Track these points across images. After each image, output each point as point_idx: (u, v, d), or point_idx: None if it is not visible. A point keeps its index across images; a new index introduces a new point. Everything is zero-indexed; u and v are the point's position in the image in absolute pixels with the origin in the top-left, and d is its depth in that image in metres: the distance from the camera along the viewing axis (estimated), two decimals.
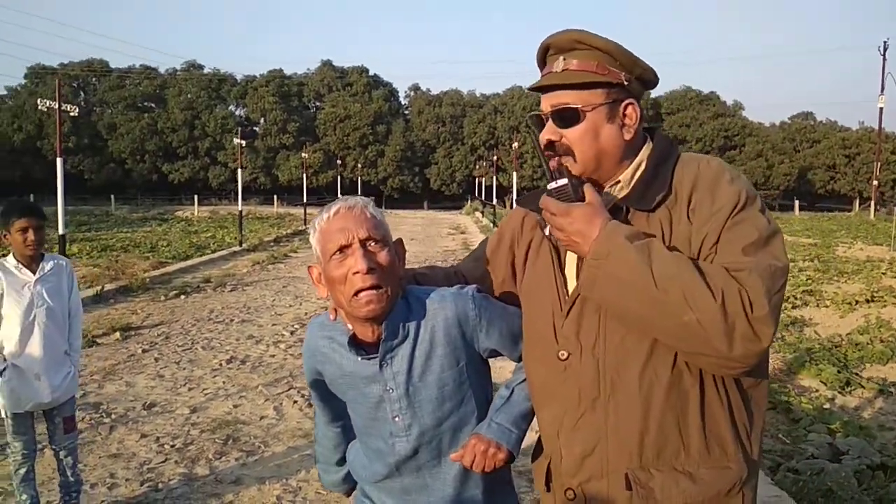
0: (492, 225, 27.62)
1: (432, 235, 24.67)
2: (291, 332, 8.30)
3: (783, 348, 8.05)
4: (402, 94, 66.74)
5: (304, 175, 35.38)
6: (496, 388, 1.76)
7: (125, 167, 58.27)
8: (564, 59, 1.50)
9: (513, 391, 1.71)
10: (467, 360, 1.67)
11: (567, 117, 1.50)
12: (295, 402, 5.65)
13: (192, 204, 42.23)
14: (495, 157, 40.38)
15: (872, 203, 38.89)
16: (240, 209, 20.87)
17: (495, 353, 1.74)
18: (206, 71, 61.79)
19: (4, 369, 3.39)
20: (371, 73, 63.86)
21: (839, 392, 6.69)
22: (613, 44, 1.49)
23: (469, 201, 50.51)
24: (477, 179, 51.87)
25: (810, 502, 3.83)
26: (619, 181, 1.54)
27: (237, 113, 61.74)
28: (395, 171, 60.14)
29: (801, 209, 49.86)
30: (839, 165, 58.97)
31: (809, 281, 12.26)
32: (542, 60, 1.58)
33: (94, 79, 60.99)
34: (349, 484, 1.96)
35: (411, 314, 1.63)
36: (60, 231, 11.11)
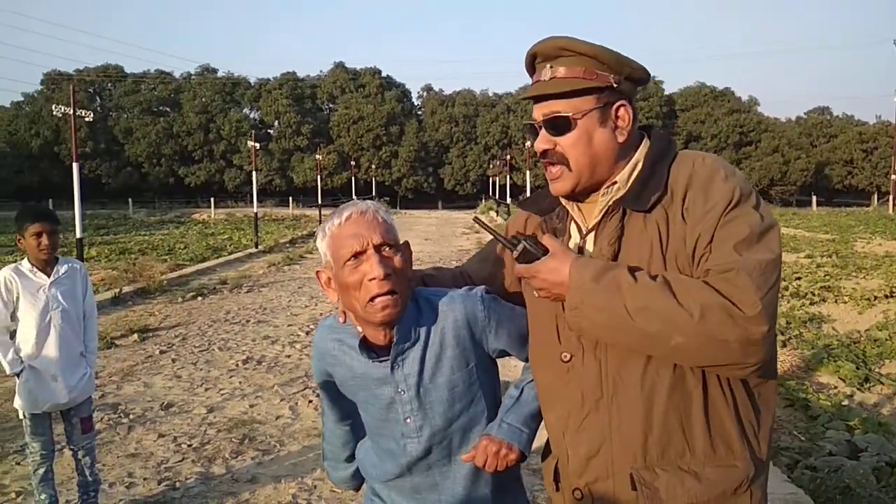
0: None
1: (446, 235, 24.68)
2: (307, 333, 8.34)
3: (801, 345, 7.99)
4: (414, 95, 67.02)
5: (319, 177, 35.47)
6: (505, 387, 1.77)
7: (142, 171, 58.85)
8: (552, 67, 1.50)
9: (522, 391, 1.71)
10: (477, 361, 1.67)
11: (559, 125, 1.50)
12: (310, 401, 5.67)
13: (209, 206, 42.57)
14: (509, 157, 40.34)
15: (891, 197, 38.48)
16: (255, 211, 21.00)
17: (504, 354, 1.74)
18: (220, 74, 62.38)
19: (22, 370, 3.44)
20: (384, 74, 64.12)
21: (858, 389, 6.62)
22: (598, 47, 1.48)
23: (483, 201, 50.48)
24: (491, 179, 51.91)
25: (828, 499, 3.80)
26: (615, 182, 1.53)
27: (251, 116, 62.20)
28: (409, 172, 60.30)
29: (818, 205, 49.39)
30: (856, 160, 58.44)
31: (827, 277, 12.15)
32: (531, 68, 1.57)
33: (109, 84, 61.70)
34: (358, 480, 1.96)
35: (421, 317, 1.63)
36: (78, 235, 11.23)
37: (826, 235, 21.18)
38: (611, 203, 1.52)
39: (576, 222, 1.59)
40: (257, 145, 22.14)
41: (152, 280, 11.88)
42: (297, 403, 5.64)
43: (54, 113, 11.72)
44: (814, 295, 10.62)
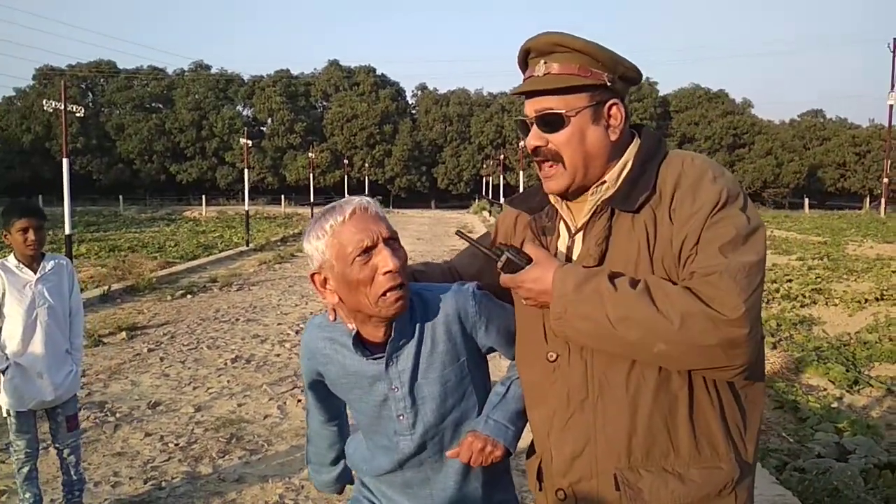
0: None
1: (439, 234, 24.67)
2: (297, 332, 8.31)
3: (791, 347, 8.01)
4: (409, 94, 66.88)
5: (312, 175, 35.40)
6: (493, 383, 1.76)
7: (133, 168, 58.54)
8: (545, 63, 1.49)
9: (508, 388, 1.71)
10: (468, 356, 1.67)
11: (552, 122, 1.48)
12: (299, 400, 5.64)
13: (200, 204, 42.42)
14: (503, 156, 40.36)
15: (883, 201, 38.64)
16: (246, 209, 20.95)
17: (493, 350, 1.74)
18: (213, 71, 62.05)
19: (7, 367, 3.40)
20: (378, 72, 63.95)
21: (847, 391, 6.64)
22: (594, 45, 1.47)
23: (476, 200, 50.48)
24: (484, 178, 51.91)
25: (816, 501, 3.80)
26: (604, 181, 1.52)
27: (244, 113, 61.97)
28: (403, 171, 60.22)
29: (810, 207, 49.63)
30: (849, 163, 58.65)
31: (818, 279, 12.18)
32: (524, 63, 1.56)
33: (101, 80, 61.33)
34: (342, 483, 1.96)
35: (414, 312, 1.62)
36: (67, 231, 11.16)
37: (818, 238, 21.26)
38: (599, 203, 1.50)
39: (565, 221, 1.58)
40: (250, 143, 22.07)
41: (142, 278, 11.82)
42: (285, 403, 5.61)
43: (45, 108, 11.60)
44: (804, 297, 10.65)
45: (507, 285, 1.52)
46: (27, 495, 3.51)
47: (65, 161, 10.99)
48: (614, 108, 1.49)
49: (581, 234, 1.53)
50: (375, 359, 1.61)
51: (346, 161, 50.52)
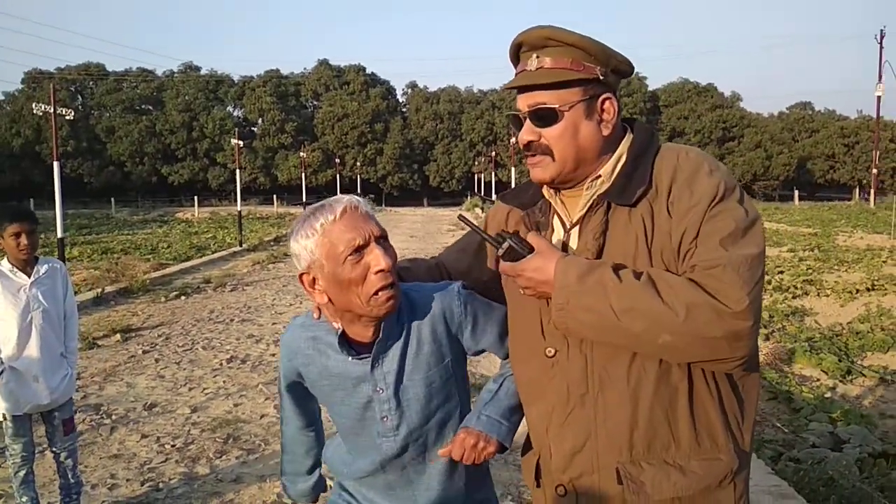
0: None
1: (432, 232, 24.67)
2: None
3: (784, 338, 8.05)
4: (399, 92, 66.80)
5: (304, 174, 35.34)
6: (482, 382, 1.76)
7: (124, 170, 58.27)
8: (538, 57, 1.47)
9: (501, 385, 1.70)
10: (452, 357, 1.66)
11: (544, 117, 1.47)
12: None
13: (193, 205, 42.24)
14: (494, 153, 40.35)
15: (872, 191, 38.85)
16: (239, 209, 20.89)
17: (483, 351, 1.72)
18: (203, 72, 61.82)
19: (2, 371, 3.39)
20: (368, 71, 63.85)
21: (840, 381, 6.69)
22: (586, 39, 1.46)
23: (468, 197, 50.47)
24: (476, 175, 51.90)
25: (811, 491, 3.83)
26: (599, 175, 1.51)
27: (235, 114, 61.76)
28: (395, 169, 60.16)
29: (800, 199, 49.80)
30: (838, 154, 58.91)
31: (810, 270, 12.25)
32: (516, 57, 1.54)
33: (91, 82, 60.99)
34: (317, 492, 1.92)
35: (401, 313, 1.60)
36: (59, 234, 11.11)
37: (808, 229, 21.37)
38: (595, 197, 1.50)
39: (559, 216, 1.58)
40: (241, 143, 22.02)
41: (135, 280, 11.78)
42: None
43: (35, 112, 11.55)
44: (796, 288, 10.72)
45: (506, 273, 1.50)
46: (24, 499, 3.50)
47: (55, 164, 10.95)
48: (607, 103, 1.49)
49: (577, 228, 1.53)
50: (361, 359, 1.59)
51: (337, 160, 50.49)
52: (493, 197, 34.39)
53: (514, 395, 1.67)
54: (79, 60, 66.26)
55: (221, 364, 6.82)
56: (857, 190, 55.66)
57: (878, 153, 40.61)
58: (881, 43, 36.79)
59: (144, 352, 7.34)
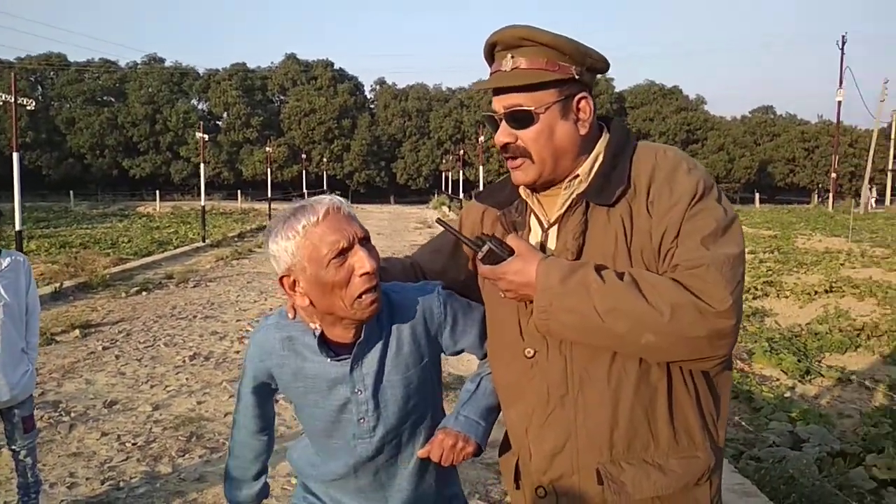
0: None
1: (399, 230, 24.60)
2: None
3: (744, 338, 8.19)
4: (367, 88, 66.51)
5: (269, 170, 34.97)
6: (448, 380, 1.74)
7: (84, 162, 57.07)
8: (513, 58, 1.45)
9: (479, 384, 1.69)
10: (430, 358, 1.65)
11: (520, 119, 1.46)
12: None
13: (154, 199, 41.57)
14: (462, 152, 40.40)
15: (831, 195, 39.74)
16: (202, 204, 20.60)
17: (461, 351, 1.71)
18: (167, 64, 60.84)
19: None
20: (336, 66, 63.45)
21: (799, 381, 6.82)
22: (561, 38, 1.44)
23: (436, 195, 50.48)
24: (444, 174, 51.93)
25: (773, 489, 3.89)
26: (577, 175, 1.50)
27: (199, 107, 60.89)
28: (362, 166, 59.91)
29: (761, 202, 50.69)
30: (798, 158, 60.19)
31: (770, 272, 12.48)
32: (490, 56, 1.52)
33: (51, 73, 59.63)
34: (260, 499, 1.87)
35: (381, 313, 1.57)
36: (17, 227, 10.85)
37: (768, 232, 21.77)
38: (573, 197, 1.49)
39: (536, 216, 1.56)
40: (206, 137, 21.71)
41: (95, 274, 11.55)
42: None
43: None
44: (757, 290, 10.91)
45: (487, 277, 1.49)
46: None
47: (15, 155, 10.67)
48: (583, 102, 1.48)
49: (555, 228, 1.52)
50: (339, 360, 1.56)
51: (304, 156, 50.07)
52: (461, 195, 34.39)
53: (491, 395, 1.66)
54: (40, 50, 64.76)
55: (184, 361, 6.71)
56: (816, 193, 56.87)
57: (837, 158, 41.56)
58: (842, 49, 37.62)
59: (104, 348, 7.20)
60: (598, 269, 1.38)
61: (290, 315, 1.61)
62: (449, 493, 1.77)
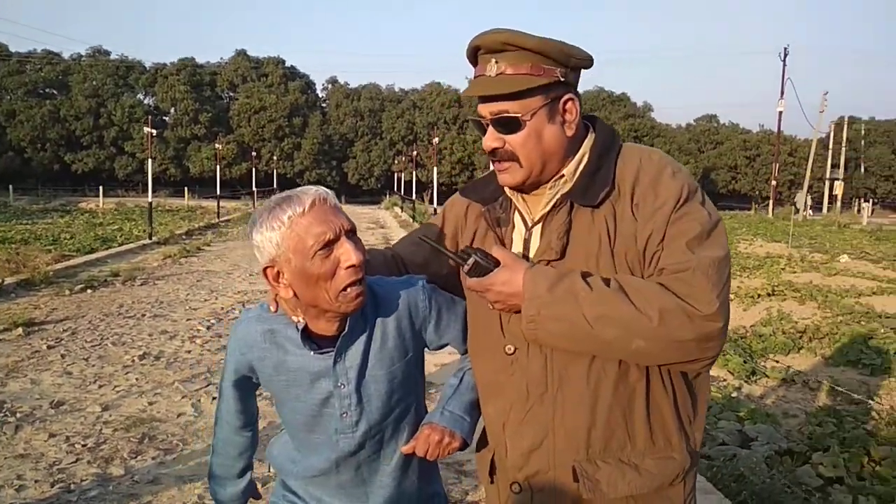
0: (411, 220, 27.60)
1: None
2: (208, 327, 8.06)
3: None
4: (319, 87, 66.02)
5: (218, 167, 34.35)
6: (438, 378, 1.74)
7: (24, 156, 55.24)
8: (497, 63, 1.44)
9: (462, 379, 1.70)
10: (414, 352, 1.64)
11: (507, 124, 1.46)
12: (214, 397, 5.48)
13: (97, 195, 40.40)
14: (415, 153, 40.37)
15: (771, 202, 40.97)
16: (149, 201, 20.10)
17: (445, 346, 1.71)
18: (112, 57, 59.27)
19: None
20: (287, 64, 62.79)
21: (745, 381, 7.02)
22: (545, 42, 1.43)
23: (387, 196, 50.31)
24: (396, 174, 51.80)
25: (724, 486, 3.99)
26: (562, 175, 1.51)
27: (146, 101, 59.52)
28: (312, 165, 59.41)
29: None
30: (740, 166, 62.01)
31: None
32: (474, 59, 1.51)
33: None
34: (247, 497, 1.85)
35: (365, 306, 1.55)
36: None
37: None
38: (558, 197, 1.50)
39: (521, 213, 1.57)
40: (154, 132, 21.22)
41: (37, 271, 11.18)
42: (199, 400, 5.44)
43: None
44: None
45: (474, 289, 1.49)
46: None
47: None
48: (569, 103, 1.48)
49: (539, 226, 1.53)
50: (322, 354, 1.55)
51: (253, 153, 49.34)
52: (413, 196, 34.33)
53: (474, 390, 1.67)
54: None
55: (133, 361, 6.55)
56: (757, 200, 58.56)
57: (777, 166, 42.87)
58: (784, 60, 38.79)
59: (49, 347, 6.97)
60: (584, 276, 1.39)
61: (273, 308, 1.59)
62: (430, 491, 1.77)
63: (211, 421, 4.92)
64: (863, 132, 63.60)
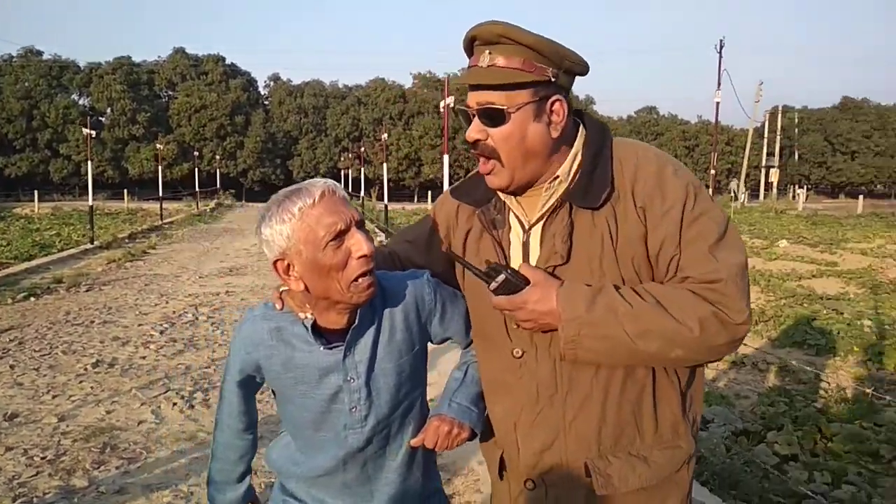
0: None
1: None
2: (161, 332, 7.90)
3: None
4: (261, 84, 65.00)
5: (160, 168, 33.56)
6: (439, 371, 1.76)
7: None
8: (490, 54, 1.44)
9: (466, 372, 1.71)
10: (420, 346, 1.65)
11: (493, 116, 1.45)
12: (174, 404, 5.39)
13: (32, 200, 39.04)
14: (362, 149, 40.11)
15: (711, 191, 41.96)
16: (90, 204, 19.53)
17: (448, 339, 1.73)
18: (45, 57, 57.19)
19: None
20: (228, 61, 61.63)
21: None
22: (541, 39, 1.42)
23: None
24: (342, 171, 51.38)
25: None
26: (557, 176, 1.50)
27: (81, 102, 57.62)
28: (256, 163, 58.50)
29: None
30: (680, 156, 63.39)
31: None
32: (470, 49, 1.50)
33: None
34: (245, 501, 1.83)
35: (374, 300, 1.56)
36: None
37: None
38: (555, 198, 1.50)
39: (516, 215, 1.56)
40: (93, 133, 20.62)
41: None
42: (159, 407, 5.34)
43: None
44: None
45: (503, 308, 1.46)
46: None
47: None
48: (557, 105, 1.46)
49: (537, 228, 1.52)
50: (331, 349, 1.55)
51: (196, 153, 48.34)
52: (362, 193, 34.11)
53: (479, 383, 1.69)
54: None
55: (86, 369, 6.38)
56: None
57: (715, 155, 43.92)
58: (720, 53, 39.71)
59: None
60: (618, 290, 1.40)
61: (278, 306, 1.58)
62: (431, 488, 1.78)
63: (173, 427, 4.88)
64: (796, 121, 65.90)
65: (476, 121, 1.48)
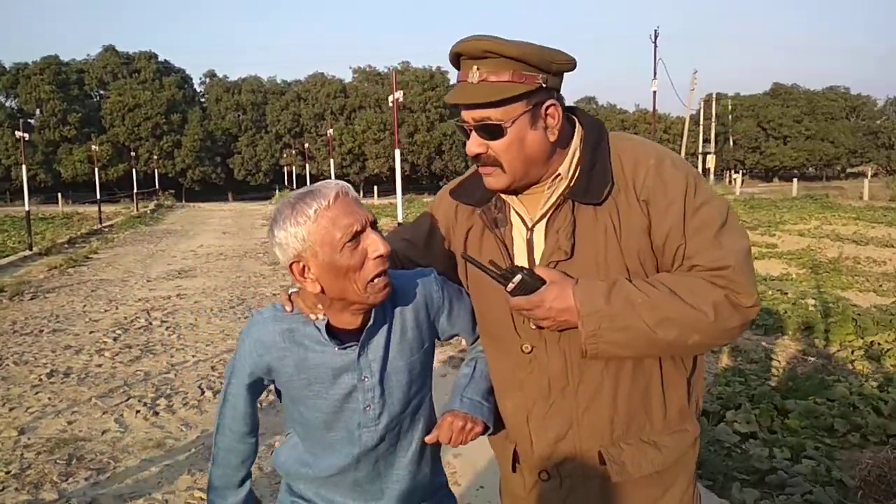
0: None
1: (245, 228, 23.80)
2: (114, 339, 7.71)
3: None
4: (196, 81, 63.58)
5: (96, 170, 32.56)
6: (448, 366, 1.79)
7: None
8: (478, 69, 1.45)
9: (475, 367, 1.75)
10: (429, 343, 1.68)
11: (490, 131, 1.48)
12: (137, 411, 5.29)
13: None
14: (306, 145, 39.67)
15: None
16: (27, 209, 18.85)
17: (455, 336, 1.76)
18: None
19: None
20: (161, 58, 60.09)
21: None
22: (524, 47, 1.43)
23: (278, 191, 49.24)
24: (285, 168, 50.78)
25: None
26: (558, 174, 1.53)
27: (7, 104, 55.42)
28: (195, 162, 57.23)
29: None
30: None
31: None
32: (456, 63, 1.52)
33: None
34: None
35: (385, 299, 1.57)
36: None
37: None
38: (557, 195, 1.54)
39: (518, 213, 1.60)
40: (27, 136, 19.87)
41: None
42: (122, 415, 5.24)
43: None
44: None
45: (521, 308, 1.47)
46: None
47: None
48: (551, 109, 1.49)
49: (540, 226, 1.55)
50: (345, 349, 1.56)
51: (132, 154, 47.03)
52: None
53: (488, 378, 1.72)
54: None
55: (41, 379, 6.20)
56: None
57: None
58: (655, 42, 40.44)
59: None
60: (632, 281, 1.45)
61: (289, 308, 1.59)
62: (437, 482, 1.81)
63: (139, 435, 4.80)
64: (730, 108, 67.81)
65: (474, 135, 1.51)
